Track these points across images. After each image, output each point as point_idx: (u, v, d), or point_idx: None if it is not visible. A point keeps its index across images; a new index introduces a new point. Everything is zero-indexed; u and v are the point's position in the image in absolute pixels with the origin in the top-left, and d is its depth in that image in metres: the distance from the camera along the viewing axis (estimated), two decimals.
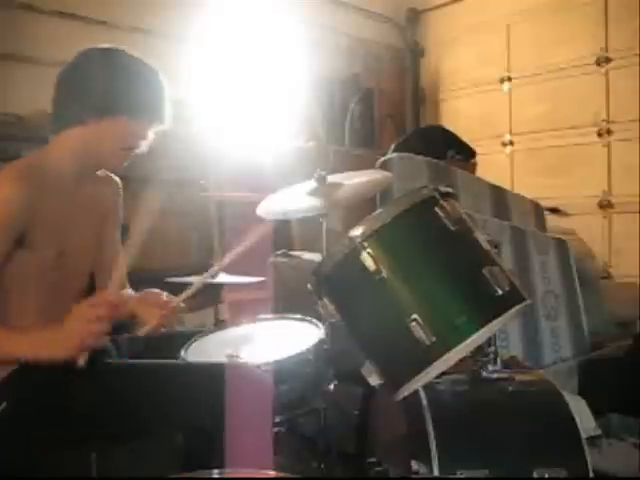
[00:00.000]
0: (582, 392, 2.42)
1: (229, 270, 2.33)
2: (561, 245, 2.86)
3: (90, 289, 1.61)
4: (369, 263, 1.22)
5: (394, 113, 5.33)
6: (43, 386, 1.35)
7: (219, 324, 2.24)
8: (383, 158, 2.77)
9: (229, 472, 1.17)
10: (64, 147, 1.45)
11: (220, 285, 2.50)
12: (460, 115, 5.14)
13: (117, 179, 1.67)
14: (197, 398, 1.40)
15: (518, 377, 1.52)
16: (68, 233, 1.47)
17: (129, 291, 1.69)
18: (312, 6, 4.51)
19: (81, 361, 1.30)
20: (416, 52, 5.50)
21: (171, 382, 1.45)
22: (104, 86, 1.40)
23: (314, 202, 1.88)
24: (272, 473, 1.14)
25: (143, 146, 1.51)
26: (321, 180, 1.89)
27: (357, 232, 1.25)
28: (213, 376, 1.42)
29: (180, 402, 1.40)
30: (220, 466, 1.21)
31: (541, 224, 3.22)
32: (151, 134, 1.50)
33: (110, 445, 1.49)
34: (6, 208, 1.33)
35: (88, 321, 1.29)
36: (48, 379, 1.35)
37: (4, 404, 1.35)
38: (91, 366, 1.35)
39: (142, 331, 1.48)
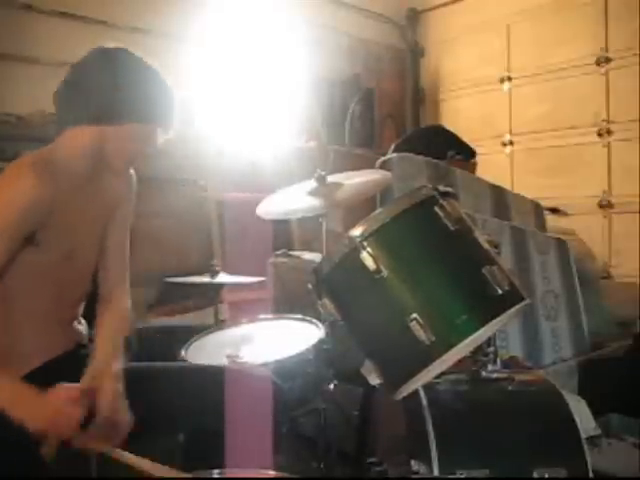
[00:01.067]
0: (582, 392, 2.42)
1: (229, 270, 2.33)
2: (561, 245, 2.86)
3: (93, 292, 1.60)
4: (369, 262, 1.22)
5: (394, 113, 5.33)
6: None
7: (219, 324, 2.24)
8: (383, 158, 2.77)
9: (229, 472, 1.17)
10: (72, 146, 1.42)
11: (220, 285, 2.50)
12: (460, 115, 5.14)
13: (132, 171, 1.59)
14: (198, 401, 1.40)
15: (518, 377, 1.52)
16: (77, 233, 1.45)
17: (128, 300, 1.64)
18: (312, 6, 4.51)
19: (47, 452, 1.25)
20: (416, 52, 5.49)
21: (172, 385, 1.46)
22: (112, 93, 1.37)
23: (314, 202, 1.88)
24: (272, 473, 1.14)
25: (151, 149, 1.48)
26: (321, 180, 1.89)
27: (357, 232, 1.25)
28: (214, 378, 1.42)
29: (181, 405, 1.40)
30: (220, 466, 1.22)
31: (541, 224, 3.22)
32: (160, 137, 1.47)
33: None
34: (25, 200, 1.29)
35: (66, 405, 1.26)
36: (53, 382, 1.35)
37: None
38: None
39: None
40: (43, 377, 1.33)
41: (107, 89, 1.37)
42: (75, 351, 1.50)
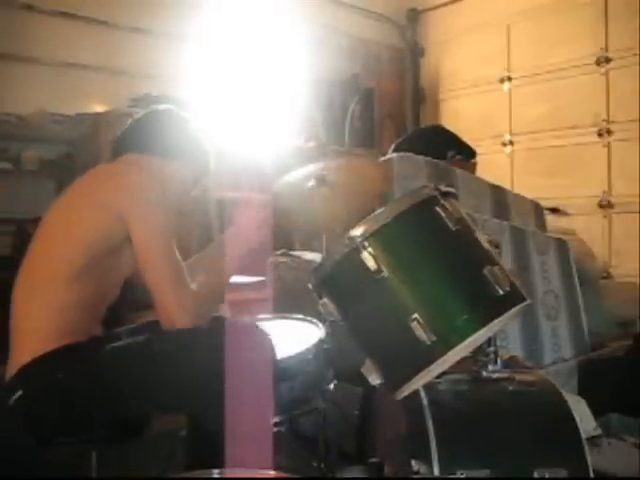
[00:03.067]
0: (582, 392, 2.42)
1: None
2: (561, 245, 2.86)
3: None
4: (370, 263, 1.22)
5: (394, 113, 5.33)
6: (53, 377, 1.37)
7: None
8: (383, 158, 2.77)
9: (229, 472, 1.17)
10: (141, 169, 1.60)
11: None
12: (460, 115, 5.14)
13: None
14: (199, 366, 1.41)
15: (518, 377, 1.51)
16: None
17: None
18: (313, 6, 4.51)
19: None
20: (416, 52, 5.50)
21: (170, 350, 1.46)
22: (183, 140, 1.70)
23: None
24: (272, 473, 1.14)
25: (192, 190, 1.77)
26: (321, 180, 1.89)
27: (358, 232, 1.25)
28: (214, 339, 1.43)
29: (183, 372, 1.41)
30: (220, 463, 1.22)
31: (541, 224, 3.22)
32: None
33: (110, 443, 1.49)
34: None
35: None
36: (60, 368, 1.37)
37: (20, 392, 1.36)
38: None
39: None
40: (56, 359, 1.39)
41: (180, 138, 1.70)
42: (87, 343, 1.50)
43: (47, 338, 1.40)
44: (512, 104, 4.84)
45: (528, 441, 1.36)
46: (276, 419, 1.58)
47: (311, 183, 1.89)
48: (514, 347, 2.49)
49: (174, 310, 1.40)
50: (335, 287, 1.31)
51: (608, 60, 4.27)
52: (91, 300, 1.49)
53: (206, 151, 1.76)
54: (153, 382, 1.42)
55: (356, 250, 1.24)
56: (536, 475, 1.30)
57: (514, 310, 1.28)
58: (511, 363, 1.69)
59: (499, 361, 1.52)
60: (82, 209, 1.50)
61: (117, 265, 1.52)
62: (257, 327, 1.54)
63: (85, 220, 1.48)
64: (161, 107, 1.75)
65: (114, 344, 1.48)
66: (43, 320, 1.42)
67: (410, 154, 2.79)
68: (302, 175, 1.92)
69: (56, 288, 1.44)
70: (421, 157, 2.79)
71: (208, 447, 1.39)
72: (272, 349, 1.47)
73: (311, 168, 1.90)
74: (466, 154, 3.24)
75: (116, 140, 1.69)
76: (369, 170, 2.01)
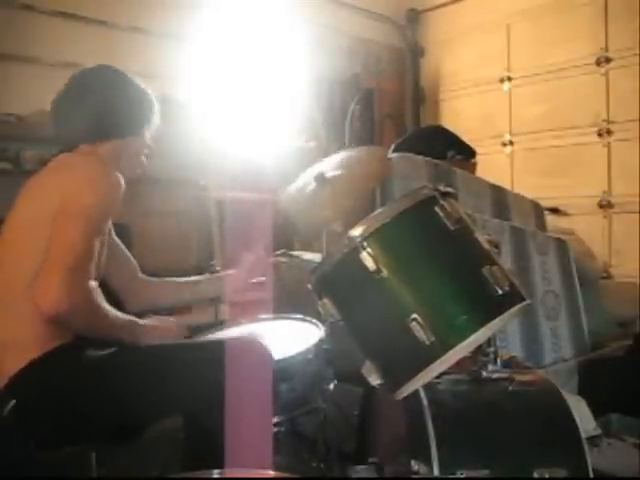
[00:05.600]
0: (582, 392, 2.41)
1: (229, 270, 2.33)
2: (561, 245, 2.86)
3: None
4: (369, 263, 1.22)
5: (394, 113, 5.32)
6: (49, 382, 1.37)
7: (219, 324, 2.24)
8: None
9: (229, 472, 1.17)
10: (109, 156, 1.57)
11: None
12: (460, 115, 5.13)
13: None
14: (197, 375, 1.41)
15: (518, 377, 1.51)
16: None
17: None
18: (313, 6, 4.51)
19: None
20: (416, 52, 5.49)
21: (171, 361, 1.46)
22: (114, 112, 1.57)
23: None
24: (272, 473, 1.14)
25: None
26: (321, 180, 1.89)
27: (357, 232, 1.25)
28: (214, 352, 1.43)
29: (181, 379, 1.42)
30: (220, 463, 1.22)
31: (541, 224, 3.22)
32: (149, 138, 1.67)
33: (111, 444, 1.49)
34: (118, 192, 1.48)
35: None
36: (54, 374, 1.36)
37: (13, 402, 1.36)
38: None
39: None
40: (46, 366, 1.38)
41: (112, 111, 1.57)
42: (72, 344, 1.50)
43: (29, 346, 1.38)
44: (512, 104, 4.83)
45: (528, 441, 1.36)
46: (276, 419, 1.59)
47: (312, 186, 1.90)
48: (514, 347, 2.49)
49: (56, 287, 1.30)
50: (334, 287, 1.31)
51: (608, 60, 4.27)
52: None
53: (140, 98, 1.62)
54: (152, 386, 1.41)
55: (355, 250, 1.24)
56: (536, 475, 1.30)
57: (513, 310, 1.28)
58: (511, 363, 1.68)
59: (499, 361, 1.52)
60: (38, 210, 1.45)
61: None
62: (255, 341, 1.54)
63: (40, 220, 1.42)
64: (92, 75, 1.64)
65: (111, 350, 1.47)
66: (20, 329, 1.39)
67: (410, 154, 2.79)
68: (302, 181, 1.93)
69: (20, 297, 1.38)
70: (421, 157, 2.79)
71: (208, 447, 1.39)
72: (270, 361, 1.48)
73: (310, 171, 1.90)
74: (466, 154, 3.24)
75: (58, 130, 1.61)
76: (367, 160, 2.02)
